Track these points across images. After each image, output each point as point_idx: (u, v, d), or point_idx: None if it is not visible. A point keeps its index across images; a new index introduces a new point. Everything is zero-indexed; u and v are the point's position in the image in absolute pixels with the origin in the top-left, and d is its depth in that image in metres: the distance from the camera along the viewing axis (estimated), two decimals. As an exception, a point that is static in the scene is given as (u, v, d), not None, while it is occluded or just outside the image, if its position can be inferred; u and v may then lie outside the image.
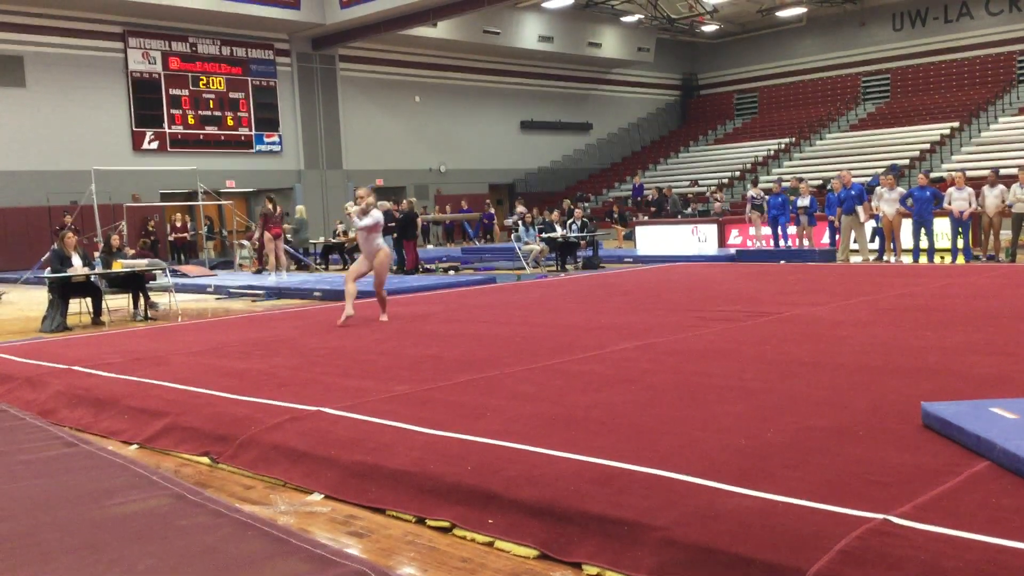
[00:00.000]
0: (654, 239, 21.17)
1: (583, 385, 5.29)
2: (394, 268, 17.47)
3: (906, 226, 14.97)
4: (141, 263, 11.85)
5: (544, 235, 17.76)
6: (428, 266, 17.82)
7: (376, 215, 8.91)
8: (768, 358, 5.87)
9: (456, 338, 7.64)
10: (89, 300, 11.18)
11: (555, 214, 18.91)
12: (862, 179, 19.29)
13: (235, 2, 24.46)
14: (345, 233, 20.38)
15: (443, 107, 31.64)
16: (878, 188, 15.30)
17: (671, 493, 3.27)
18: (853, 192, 14.85)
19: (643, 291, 11.10)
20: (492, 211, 29.21)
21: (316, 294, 13.10)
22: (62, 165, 22.63)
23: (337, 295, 12.68)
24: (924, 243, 14.62)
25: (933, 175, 20.98)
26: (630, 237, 23.38)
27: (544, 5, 30.07)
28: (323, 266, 20.23)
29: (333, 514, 3.73)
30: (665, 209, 24.54)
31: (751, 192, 19.98)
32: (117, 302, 11.94)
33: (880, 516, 2.88)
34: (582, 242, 17.53)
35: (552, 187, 34.17)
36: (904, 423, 4.06)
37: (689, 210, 24.06)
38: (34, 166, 22.59)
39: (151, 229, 23.07)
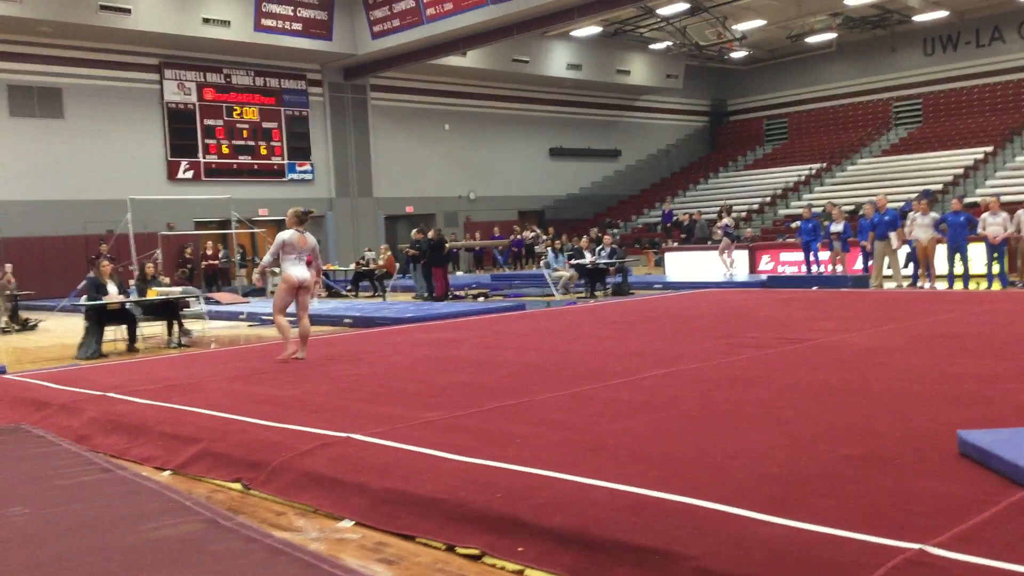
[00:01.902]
0: (684, 265, 21.09)
1: (613, 412, 5.26)
2: (424, 295, 17.58)
3: (940, 252, 14.79)
4: (175, 291, 12.02)
5: (573, 262, 17.77)
6: (458, 293, 17.87)
7: (279, 236, 8.54)
8: (800, 385, 5.82)
9: (485, 365, 7.65)
10: (124, 327, 11.34)
11: (584, 240, 18.93)
12: (895, 204, 19.16)
13: (269, 33, 24.92)
14: (375, 260, 20.55)
15: (473, 135, 31.89)
16: (911, 213, 15.16)
17: (703, 521, 3.24)
18: (887, 217, 14.72)
19: (673, 318, 11.05)
20: (521, 237, 29.23)
21: (347, 321, 13.18)
22: (99, 194, 23.07)
23: (368, 322, 12.77)
24: (959, 269, 14.45)
25: (967, 200, 20.76)
26: (660, 263, 23.34)
27: (572, 33, 30.30)
28: (354, 293, 20.38)
29: (363, 541, 3.73)
30: (694, 235, 24.45)
31: (724, 220, 20.05)
32: (152, 329, 12.10)
33: (916, 546, 2.84)
34: (611, 269, 17.52)
35: (581, 214, 34.23)
36: (940, 451, 3.99)
37: (736, 236, 23.95)
38: (72, 195, 23.06)
39: (188, 257, 23.39)
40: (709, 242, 23.02)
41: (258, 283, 10.76)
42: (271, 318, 14.37)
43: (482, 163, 32.21)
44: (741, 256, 20.30)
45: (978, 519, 3.08)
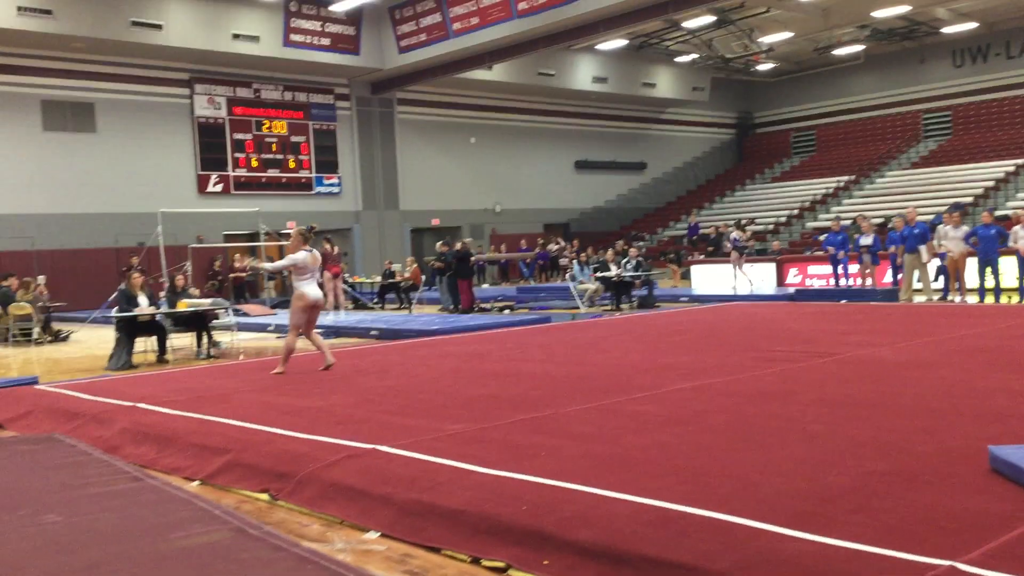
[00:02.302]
0: (710, 278, 20.98)
1: (638, 425, 5.25)
2: (450, 308, 17.62)
3: (971, 265, 14.62)
4: (205, 303, 12.13)
5: (599, 274, 17.74)
6: (483, 305, 17.90)
7: (294, 257, 8.78)
8: (829, 400, 5.77)
9: (511, 377, 7.66)
10: (154, 339, 11.46)
11: (610, 253, 18.90)
12: (925, 217, 18.98)
13: (298, 49, 25.18)
14: (400, 272, 20.65)
15: (498, 148, 32.00)
16: (940, 227, 15.01)
17: (730, 537, 3.22)
18: (916, 230, 14.59)
19: (699, 331, 11.00)
20: (547, 250, 29.22)
21: (373, 333, 13.26)
22: (130, 207, 23.37)
23: (394, 334, 12.83)
24: (990, 282, 14.26)
25: (998, 213, 20.51)
26: (686, 276, 23.23)
27: (598, 47, 30.35)
28: (380, 305, 20.47)
29: (389, 552, 3.75)
30: (720, 248, 24.30)
31: (734, 235, 20.02)
32: (181, 341, 12.22)
33: (947, 563, 2.81)
34: (637, 281, 17.47)
35: (607, 226, 34.20)
36: (971, 467, 3.95)
37: (746, 249, 23.81)
38: (103, 208, 23.39)
39: (217, 269, 23.61)
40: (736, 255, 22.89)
41: (247, 268, 10.99)
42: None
43: (508, 176, 32.30)
44: (768, 269, 20.18)
45: (1010, 535, 3.05)
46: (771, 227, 29.06)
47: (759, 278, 19.88)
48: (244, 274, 23.86)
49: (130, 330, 11.00)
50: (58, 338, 15.58)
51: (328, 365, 8.68)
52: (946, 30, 30.92)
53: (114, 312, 11.27)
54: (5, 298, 14.88)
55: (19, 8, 20.50)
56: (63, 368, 11.07)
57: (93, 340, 14.85)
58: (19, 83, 22.36)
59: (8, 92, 22.14)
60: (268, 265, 9.48)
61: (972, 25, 30.23)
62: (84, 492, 4.70)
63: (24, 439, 6.48)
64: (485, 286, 27.16)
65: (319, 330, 9.34)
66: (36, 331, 15.01)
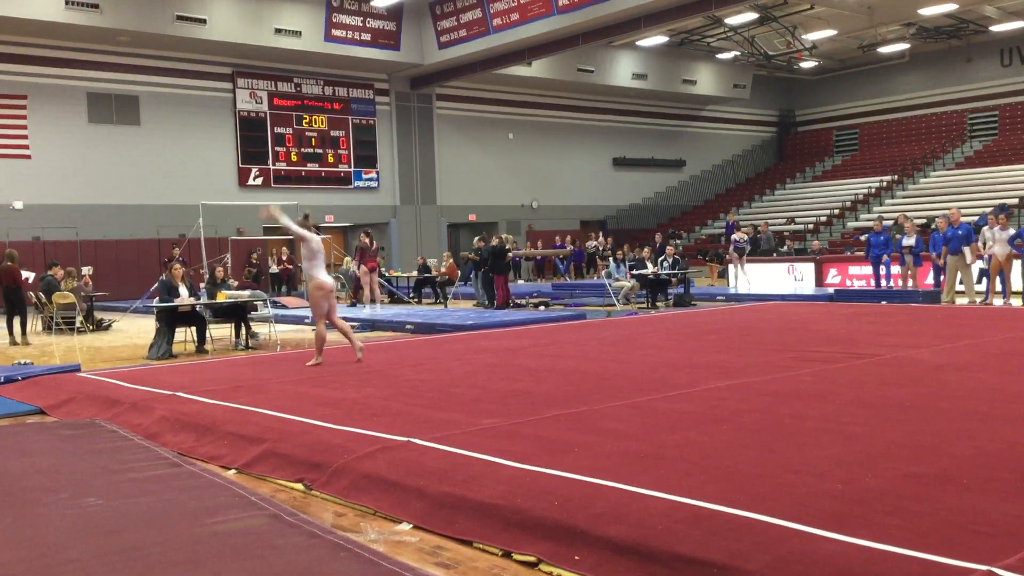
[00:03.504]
0: (748, 277, 20.81)
1: (673, 423, 5.23)
2: (485, 303, 17.65)
3: (1016, 268, 14.34)
4: (244, 294, 12.28)
5: (635, 272, 17.67)
6: (519, 301, 17.91)
7: (311, 235, 8.81)
8: (867, 401, 5.71)
9: (545, 373, 7.66)
10: (194, 329, 11.62)
11: (646, 251, 18.81)
12: (969, 219, 18.65)
13: (338, 44, 25.38)
14: (437, 266, 20.73)
15: (536, 144, 31.99)
16: (985, 228, 14.74)
17: (763, 537, 3.20)
18: (960, 232, 14.36)
19: (736, 330, 10.91)
20: (583, 247, 29.15)
21: (408, 327, 13.33)
22: (172, 199, 23.75)
23: (429, 328, 12.89)
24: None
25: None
26: (723, 275, 23.06)
27: (639, 43, 30.20)
28: (416, 299, 20.57)
29: (421, 544, 3.77)
30: (759, 247, 24.08)
31: (735, 236, 19.93)
32: (220, 331, 12.38)
33: (984, 568, 2.77)
34: (673, 279, 17.36)
35: (644, 224, 34.05)
36: (1011, 472, 3.89)
37: (785, 248, 23.60)
38: (146, 200, 23.77)
39: (255, 261, 23.91)
40: (774, 254, 22.71)
41: (267, 214, 9.60)
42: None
43: (545, 172, 32.28)
44: (808, 269, 20.00)
45: (1050, 542, 2.99)
46: (811, 226, 28.74)
47: (799, 277, 19.72)
48: (290, 265, 24.09)
49: (170, 320, 11.16)
50: (100, 327, 15.86)
51: (358, 350, 8.85)
52: (994, 28, 30.32)
53: (155, 302, 11.44)
54: (49, 287, 15.17)
55: (67, 2, 20.89)
56: (105, 356, 11.27)
57: (134, 329, 15.10)
58: (66, 75, 22.79)
59: (55, 84, 22.58)
60: (287, 221, 8.82)
61: (1021, 24, 29.61)
62: (124, 476, 4.80)
63: (66, 424, 6.62)
64: (520, 282, 27.17)
65: (354, 323, 9.41)
66: (79, 320, 15.28)
